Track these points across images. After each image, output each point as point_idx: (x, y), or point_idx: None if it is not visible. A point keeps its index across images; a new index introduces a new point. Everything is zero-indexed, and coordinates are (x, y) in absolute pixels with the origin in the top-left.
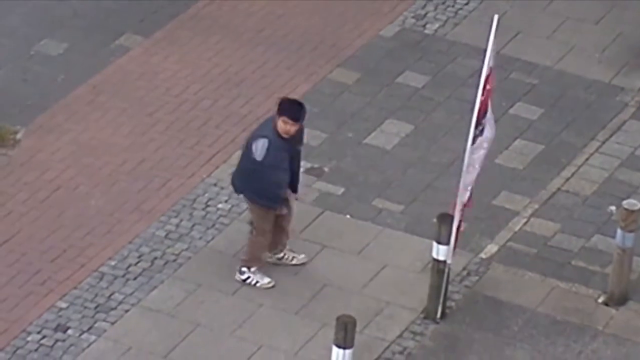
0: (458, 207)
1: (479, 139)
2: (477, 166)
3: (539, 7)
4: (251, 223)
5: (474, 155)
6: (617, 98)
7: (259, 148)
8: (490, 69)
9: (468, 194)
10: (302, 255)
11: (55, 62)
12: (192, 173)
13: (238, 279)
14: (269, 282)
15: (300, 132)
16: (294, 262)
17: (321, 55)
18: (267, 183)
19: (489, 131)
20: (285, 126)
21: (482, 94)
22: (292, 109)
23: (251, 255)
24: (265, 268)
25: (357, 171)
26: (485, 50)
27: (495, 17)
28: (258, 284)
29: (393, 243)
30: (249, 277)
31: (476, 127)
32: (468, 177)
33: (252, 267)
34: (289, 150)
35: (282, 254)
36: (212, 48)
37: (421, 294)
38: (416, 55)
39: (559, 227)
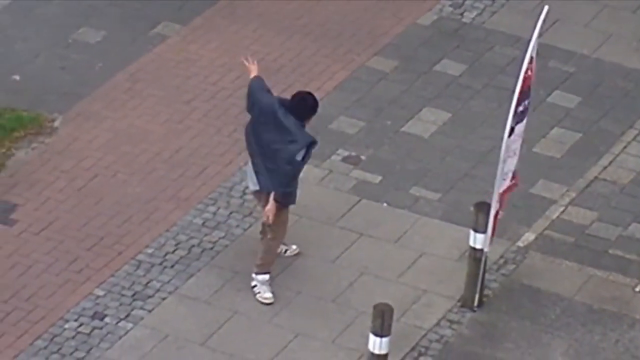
0: (495, 196)
1: (518, 127)
2: (517, 152)
3: None
4: (268, 226)
5: (512, 145)
6: None
7: (301, 153)
8: (532, 58)
9: (507, 182)
10: (294, 247)
11: (93, 50)
12: (230, 161)
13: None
14: (267, 298)
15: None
16: (287, 254)
17: (359, 43)
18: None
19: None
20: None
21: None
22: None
23: (264, 260)
24: (272, 281)
25: (394, 159)
26: (523, 38)
27: (546, 7)
28: (258, 295)
29: (430, 231)
30: (255, 286)
31: (514, 114)
32: (507, 164)
33: (264, 275)
34: None
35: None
36: (249, 36)
37: (458, 282)
38: (454, 44)
39: (597, 215)
